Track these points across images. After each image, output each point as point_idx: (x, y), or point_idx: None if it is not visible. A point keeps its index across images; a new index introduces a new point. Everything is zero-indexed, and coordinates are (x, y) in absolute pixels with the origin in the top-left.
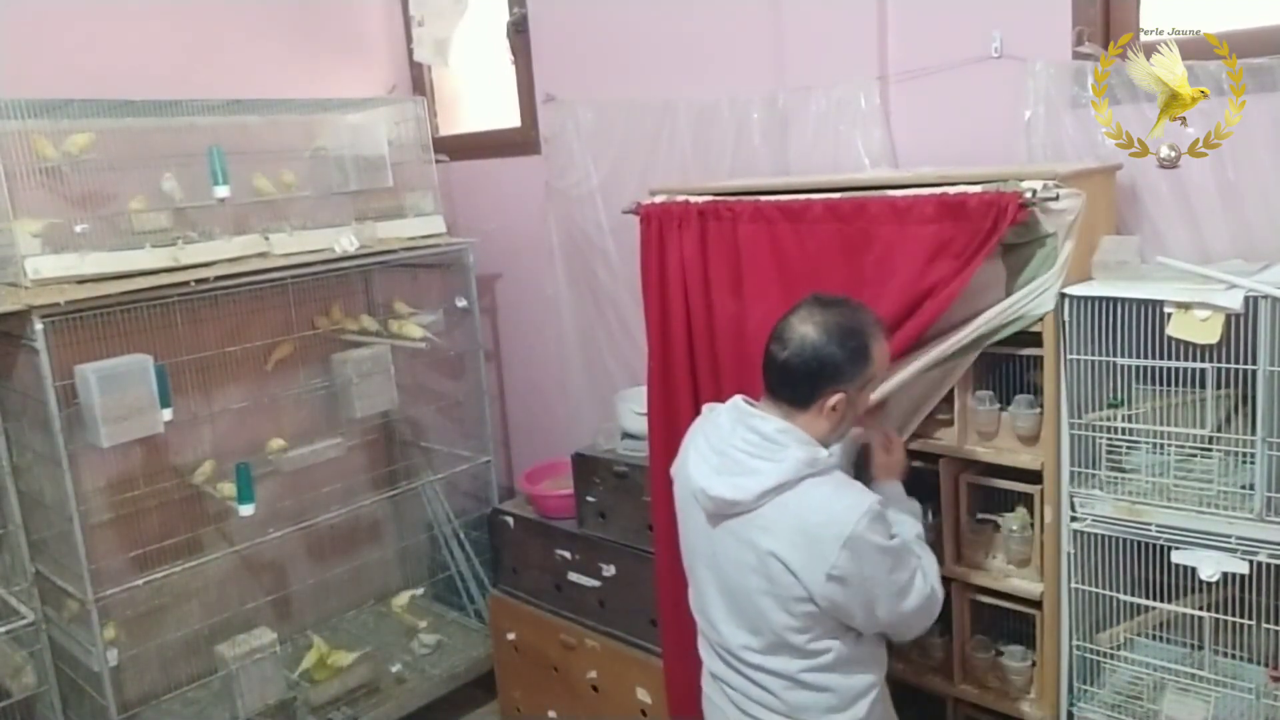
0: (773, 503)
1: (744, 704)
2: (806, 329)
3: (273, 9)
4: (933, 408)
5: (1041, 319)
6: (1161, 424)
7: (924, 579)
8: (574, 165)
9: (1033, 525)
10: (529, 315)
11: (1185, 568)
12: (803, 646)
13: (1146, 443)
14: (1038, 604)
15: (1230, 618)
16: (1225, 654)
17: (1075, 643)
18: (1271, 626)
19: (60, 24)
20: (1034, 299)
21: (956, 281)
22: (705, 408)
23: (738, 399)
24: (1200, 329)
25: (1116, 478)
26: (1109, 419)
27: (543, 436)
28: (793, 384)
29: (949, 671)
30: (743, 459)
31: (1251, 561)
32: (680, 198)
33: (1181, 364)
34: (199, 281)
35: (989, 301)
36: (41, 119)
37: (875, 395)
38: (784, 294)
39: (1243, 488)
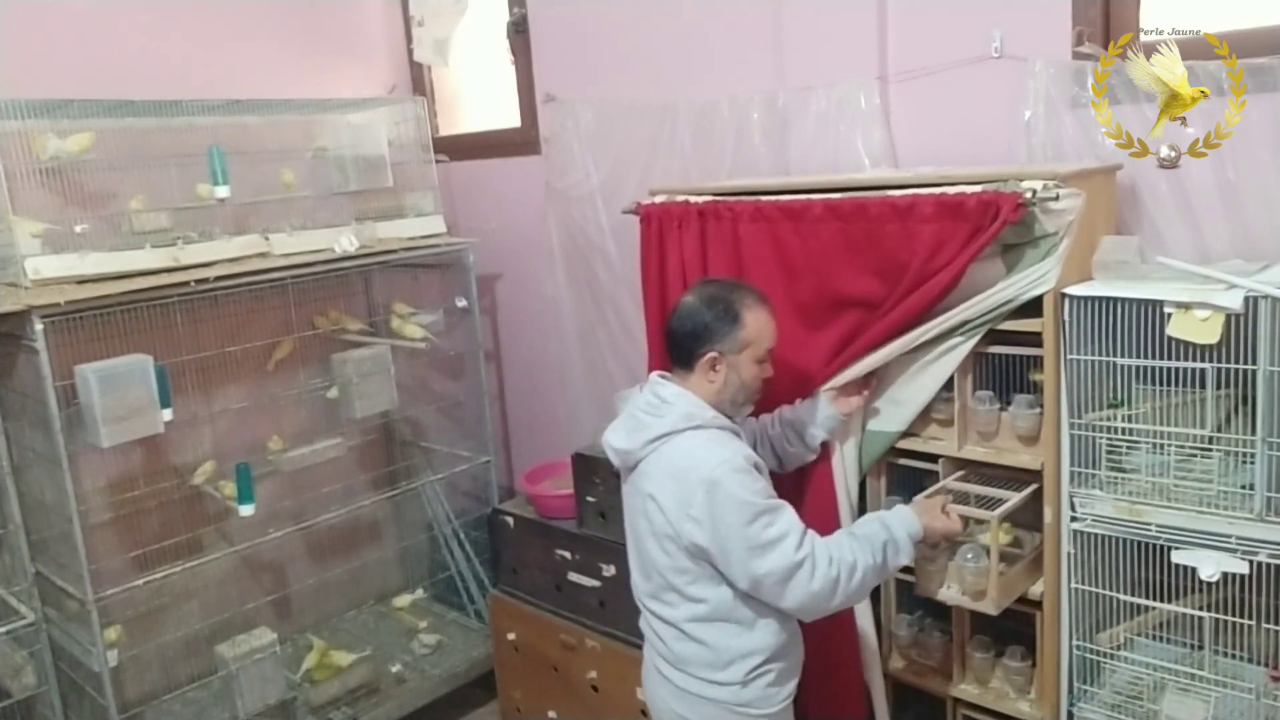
0: (656, 451)
1: (651, 655)
2: (687, 299)
3: (273, 9)
4: (933, 394)
5: (1039, 308)
6: (1161, 424)
7: (796, 550)
8: (574, 165)
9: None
10: (529, 315)
11: (1185, 568)
12: (683, 589)
13: (1146, 443)
14: (1038, 604)
15: (1230, 618)
16: (1225, 654)
17: (1075, 643)
18: (1271, 626)
19: (60, 24)
20: (1029, 283)
21: (950, 269)
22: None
23: (655, 373)
24: (1200, 329)
25: (1116, 478)
26: (1109, 419)
27: (543, 436)
28: (677, 347)
29: (949, 671)
30: (641, 418)
31: (1251, 561)
32: (680, 198)
33: (1181, 364)
34: (199, 281)
35: None
36: (41, 119)
37: (863, 367)
38: (785, 293)
39: (1243, 488)
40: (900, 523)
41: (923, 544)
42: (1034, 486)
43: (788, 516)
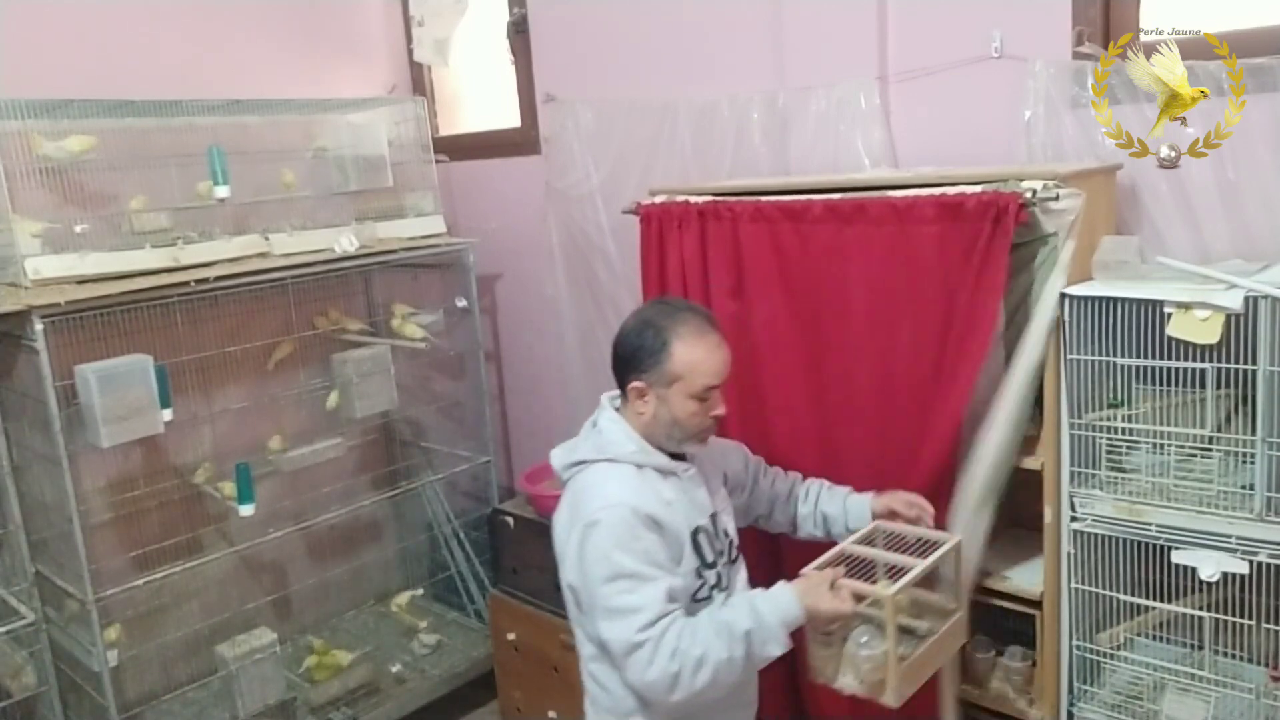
0: (574, 477)
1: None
2: (627, 320)
3: (273, 9)
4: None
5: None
6: (1161, 424)
7: (640, 630)
8: (574, 165)
9: None
10: (529, 315)
11: (1185, 568)
12: (583, 625)
13: (1146, 443)
14: (1038, 604)
15: (1230, 618)
16: (1225, 654)
17: (1075, 643)
18: (1271, 626)
19: (60, 24)
20: (1053, 295)
21: (993, 303)
22: None
23: (605, 395)
24: (1200, 329)
25: (1116, 478)
26: (1109, 419)
27: (543, 436)
28: (613, 370)
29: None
30: (578, 439)
31: (1251, 561)
32: (680, 198)
33: (1181, 364)
34: (199, 281)
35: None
36: (41, 119)
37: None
38: (785, 294)
39: (1243, 488)
40: (774, 607)
41: (810, 626)
42: (947, 546)
43: (650, 591)
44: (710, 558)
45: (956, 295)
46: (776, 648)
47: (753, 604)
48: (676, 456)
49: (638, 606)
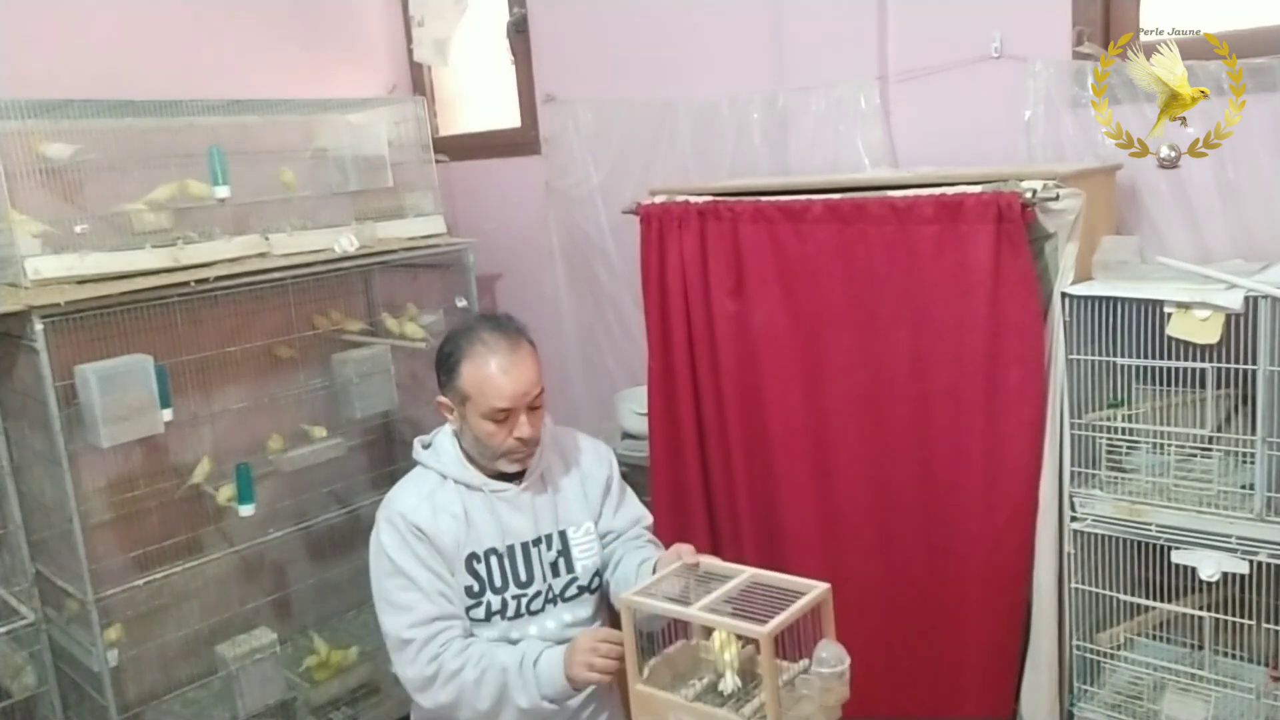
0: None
1: None
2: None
3: (273, 9)
4: None
5: None
6: (1161, 424)
7: (409, 628)
8: (574, 165)
9: None
10: (529, 315)
11: (1185, 568)
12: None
13: (1146, 443)
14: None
15: (1230, 618)
16: (1225, 654)
17: (1075, 643)
18: (1271, 626)
19: (60, 24)
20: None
21: (1028, 305)
22: None
23: None
24: (1200, 329)
25: (1116, 478)
26: (1109, 419)
27: None
28: None
29: None
30: (430, 437)
31: (1251, 561)
32: (680, 198)
33: (1181, 364)
34: (199, 281)
35: None
36: (41, 119)
37: None
38: (784, 294)
39: (1243, 488)
40: (536, 685)
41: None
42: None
43: (422, 594)
44: (499, 582)
45: (972, 297)
46: (526, 703)
47: (528, 664)
48: (507, 475)
49: (410, 605)
